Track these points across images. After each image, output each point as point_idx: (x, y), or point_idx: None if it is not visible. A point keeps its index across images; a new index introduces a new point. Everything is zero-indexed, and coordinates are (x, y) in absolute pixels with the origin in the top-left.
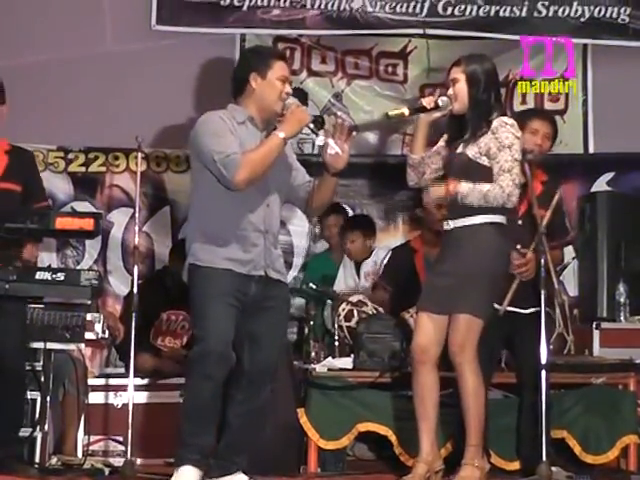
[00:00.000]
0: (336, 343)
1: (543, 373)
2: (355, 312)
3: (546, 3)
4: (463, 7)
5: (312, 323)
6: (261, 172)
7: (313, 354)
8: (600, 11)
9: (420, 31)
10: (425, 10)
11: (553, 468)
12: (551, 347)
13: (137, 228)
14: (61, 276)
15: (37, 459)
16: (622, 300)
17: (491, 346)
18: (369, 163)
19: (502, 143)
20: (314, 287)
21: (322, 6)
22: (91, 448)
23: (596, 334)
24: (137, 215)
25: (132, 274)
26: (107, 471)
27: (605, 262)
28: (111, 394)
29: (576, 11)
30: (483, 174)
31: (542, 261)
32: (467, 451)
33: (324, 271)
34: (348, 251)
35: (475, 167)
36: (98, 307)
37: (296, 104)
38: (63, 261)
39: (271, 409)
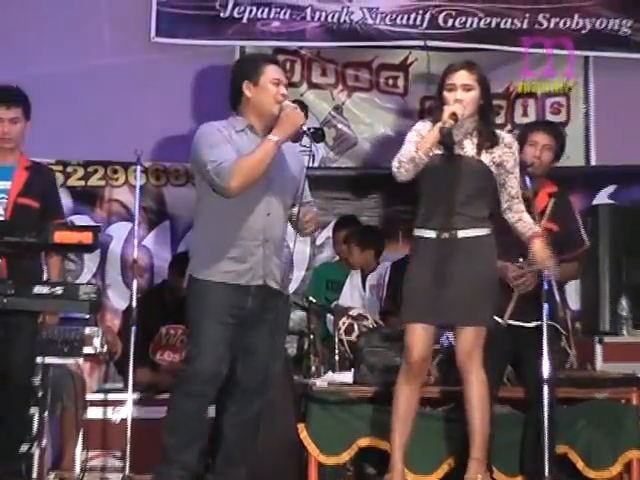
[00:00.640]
0: (336, 357)
1: (545, 388)
2: (355, 326)
3: (547, 15)
4: (464, 19)
5: (312, 337)
6: (255, 177)
7: (313, 368)
8: (601, 23)
9: (421, 43)
10: (426, 22)
11: None
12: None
13: (136, 242)
14: (59, 290)
15: (35, 475)
16: (625, 314)
17: (496, 361)
18: (370, 175)
19: (516, 161)
20: (314, 301)
21: (322, 18)
22: (89, 464)
23: (599, 348)
24: (136, 229)
25: (131, 288)
26: None
27: (607, 275)
28: (109, 409)
29: (577, 23)
30: (491, 183)
31: (545, 274)
32: (470, 464)
33: (334, 277)
34: (355, 261)
35: (488, 176)
36: (97, 321)
37: (291, 106)
38: (62, 275)
39: (268, 422)
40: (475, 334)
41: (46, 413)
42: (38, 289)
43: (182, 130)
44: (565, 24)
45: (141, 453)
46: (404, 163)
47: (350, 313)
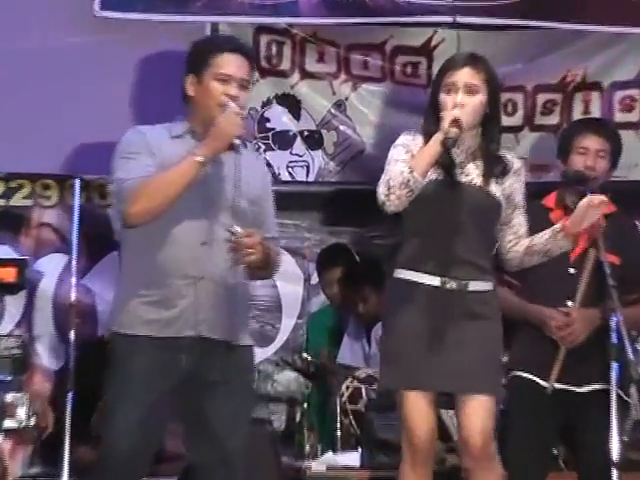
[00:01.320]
0: (338, 433)
1: (614, 473)
2: (363, 391)
3: None
4: None
5: (306, 406)
6: (162, 202)
7: (307, 447)
8: None
9: (449, 19)
10: None
11: None
12: (625, 439)
13: (74, 280)
14: None
15: None
16: None
17: (543, 438)
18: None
19: (523, 196)
20: (308, 358)
21: None
22: None
23: None
24: (74, 263)
25: (67, 342)
26: None
27: None
28: None
29: None
30: (497, 221)
31: (613, 322)
32: None
33: (329, 329)
34: (359, 314)
35: (498, 214)
36: (21, 385)
37: (231, 112)
38: None
39: None
40: (490, 409)
41: None
42: None
43: None
44: None
45: None
46: (395, 188)
47: (356, 374)
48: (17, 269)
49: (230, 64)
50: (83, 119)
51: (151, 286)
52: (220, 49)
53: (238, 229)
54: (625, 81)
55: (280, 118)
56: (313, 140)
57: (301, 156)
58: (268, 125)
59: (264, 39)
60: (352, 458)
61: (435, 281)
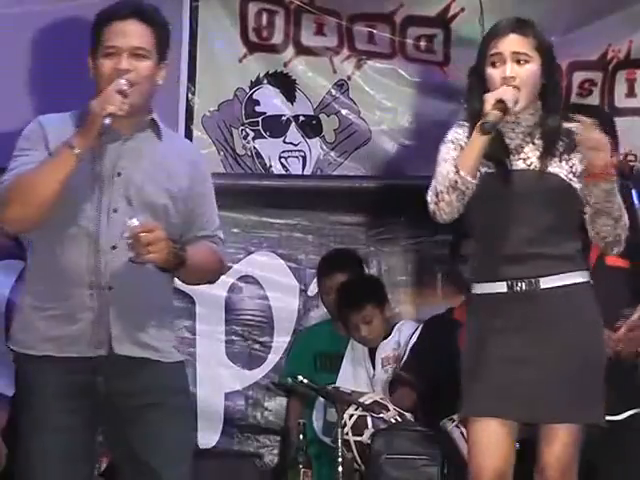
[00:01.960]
0: (340, 468)
1: None
2: (369, 421)
3: None
4: None
5: (302, 437)
6: (34, 203)
7: None
8: None
9: None
10: None
11: None
12: None
13: None
14: None
15: None
16: None
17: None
18: (390, 188)
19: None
20: (305, 381)
21: None
22: None
23: None
24: None
25: None
26: None
27: None
28: None
29: None
30: (574, 203)
31: None
32: None
33: (326, 348)
34: (362, 338)
35: (566, 192)
36: None
37: (116, 88)
38: None
39: None
40: (573, 437)
41: None
42: None
43: None
44: None
45: None
46: (443, 194)
47: (361, 400)
48: None
49: (117, 34)
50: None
51: (51, 298)
52: (108, 19)
53: (135, 222)
54: None
55: (271, 101)
56: (310, 126)
57: (296, 145)
58: (257, 109)
59: (253, 8)
60: None
61: (502, 287)
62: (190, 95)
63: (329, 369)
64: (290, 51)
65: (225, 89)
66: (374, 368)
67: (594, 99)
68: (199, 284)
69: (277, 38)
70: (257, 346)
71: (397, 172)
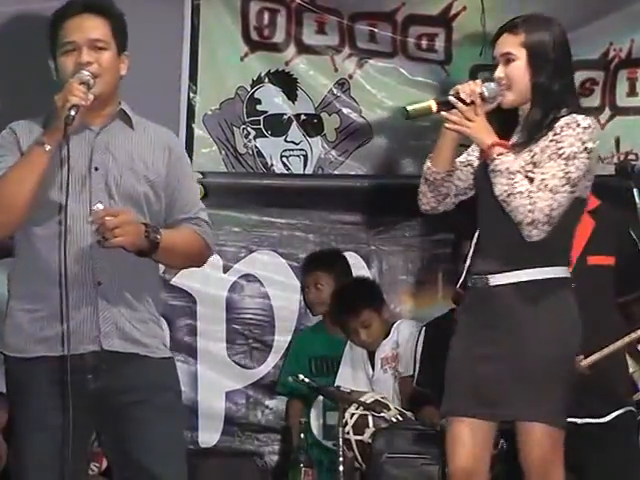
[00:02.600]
0: (340, 467)
1: None
2: (370, 420)
3: None
4: None
5: (302, 437)
6: (17, 206)
7: None
8: None
9: None
10: None
11: None
12: None
13: None
14: None
15: None
16: None
17: None
18: (391, 187)
19: (560, 151)
20: (306, 380)
21: None
22: None
23: None
24: None
25: None
26: None
27: None
28: None
29: None
30: None
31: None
32: None
33: (320, 352)
34: (362, 342)
35: None
36: None
37: (79, 79)
38: None
39: None
40: (549, 440)
41: None
42: None
43: None
44: None
45: None
46: (421, 185)
47: (362, 399)
48: None
49: (73, 30)
50: None
51: (39, 299)
52: (63, 17)
53: (100, 206)
54: None
55: (273, 99)
56: (311, 125)
57: (297, 144)
58: (259, 107)
59: (254, 7)
60: None
61: (478, 282)
62: (191, 94)
63: (324, 373)
64: (291, 50)
65: (226, 88)
66: (373, 369)
67: (595, 98)
68: (184, 267)
69: (278, 37)
70: (258, 345)
71: (398, 171)
